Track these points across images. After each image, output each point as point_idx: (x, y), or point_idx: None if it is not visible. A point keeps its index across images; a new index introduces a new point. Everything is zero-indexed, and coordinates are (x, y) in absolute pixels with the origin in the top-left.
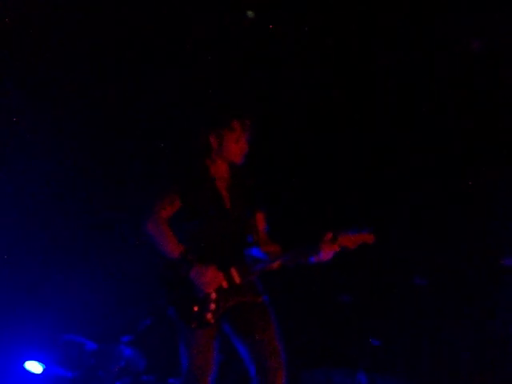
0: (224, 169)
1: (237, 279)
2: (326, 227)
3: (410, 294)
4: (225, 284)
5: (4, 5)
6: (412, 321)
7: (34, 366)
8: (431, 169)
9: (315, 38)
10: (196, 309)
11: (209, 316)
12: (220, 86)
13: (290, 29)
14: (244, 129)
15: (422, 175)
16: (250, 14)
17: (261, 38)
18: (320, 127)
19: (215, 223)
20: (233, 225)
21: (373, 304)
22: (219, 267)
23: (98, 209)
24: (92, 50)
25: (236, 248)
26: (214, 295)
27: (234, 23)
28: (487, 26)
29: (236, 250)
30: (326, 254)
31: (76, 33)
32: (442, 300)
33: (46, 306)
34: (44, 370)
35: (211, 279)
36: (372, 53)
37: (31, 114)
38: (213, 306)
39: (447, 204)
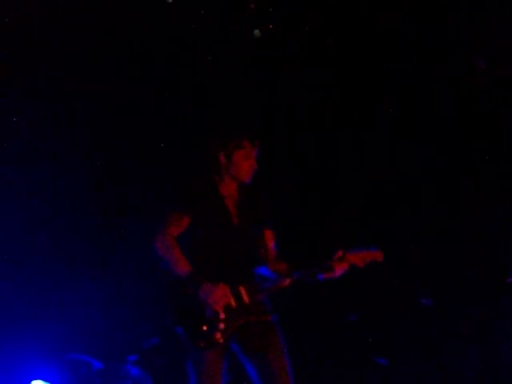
0: (233, 187)
1: (246, 298)
2: (334, 244)
3: (416, 313)
4: (233, 303)
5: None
6: (419, 340)
7: None
8: (440, 182)
9: (315, 38)
10: (205, 328)
11: (218, 336)
12: (223, 89)
13: (290, 29)
14: (253, 147)
15: (430, 188)
16: (256, 33)
17: (260, 38)
18: (321, 131)
19: (223, 240)
20: (241, 242)
21: (380, 323)
22: (228, 286)
23: (105, 223)
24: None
25: (245, 266)
26: (222, 314)
27: (234, 24)
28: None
29: (245, 269)
30: (336, 271)
31: (79, 33)
32: (449, 319)
33: (52, 325)
34: None
35: (220, 298)
36: (372, 53)
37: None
38: (222, 325)
39: (453, 221)
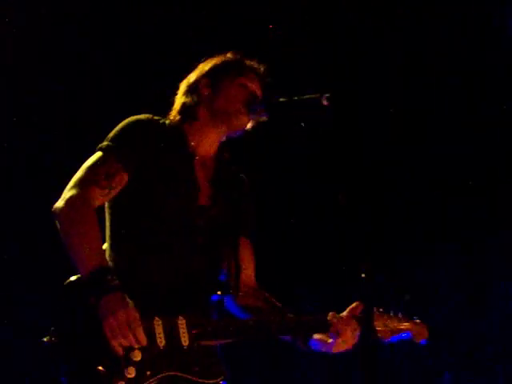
0: (212, 141)
1: (184, 340)
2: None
3: None
4: (161, 341)
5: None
6: None
7: None
8: None
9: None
10: (102, 369)
11: None
12: None
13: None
14: (257, 77)
15: None
16: None
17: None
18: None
19: (173, 232)
20: (202, 242)
21: None
22: (158, 311)
23: None
24: None
25: (198, 286)
26: (137, 354)
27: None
28: None
29: (196, 290)
30: (346, 337)
31: None
32: None
33: None
34: None
35: (132, 322)
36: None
37: None
38: (131, 371)
39: None
